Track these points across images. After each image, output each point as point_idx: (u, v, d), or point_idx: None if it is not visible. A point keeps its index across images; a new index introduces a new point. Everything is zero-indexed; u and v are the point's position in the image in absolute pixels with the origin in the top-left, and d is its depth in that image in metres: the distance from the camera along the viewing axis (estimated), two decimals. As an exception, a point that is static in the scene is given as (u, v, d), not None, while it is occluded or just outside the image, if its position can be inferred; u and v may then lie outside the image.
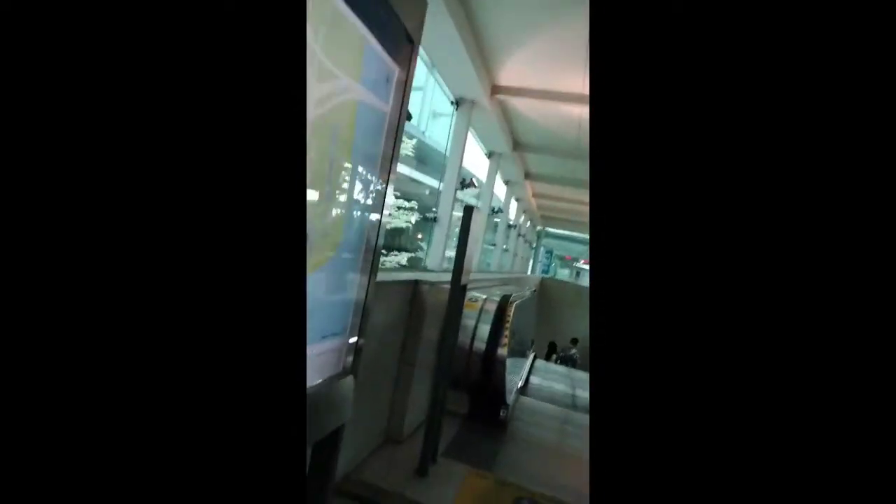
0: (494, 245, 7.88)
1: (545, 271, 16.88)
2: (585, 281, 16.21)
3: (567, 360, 8.28)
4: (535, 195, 8.80)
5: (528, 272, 12.67)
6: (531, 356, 4.71)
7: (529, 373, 4.72)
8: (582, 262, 17.48)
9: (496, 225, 7.93)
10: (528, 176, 7.41)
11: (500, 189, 7.78)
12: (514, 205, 8.73)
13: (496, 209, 6.13)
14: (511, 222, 8.62)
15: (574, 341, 9.21)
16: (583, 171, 6.32)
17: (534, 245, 12.02)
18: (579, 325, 10.90)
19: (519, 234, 9.74)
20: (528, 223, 10.81)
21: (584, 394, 4.67)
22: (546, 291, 11.19)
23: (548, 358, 8.67)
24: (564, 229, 13.37)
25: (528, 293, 4.05)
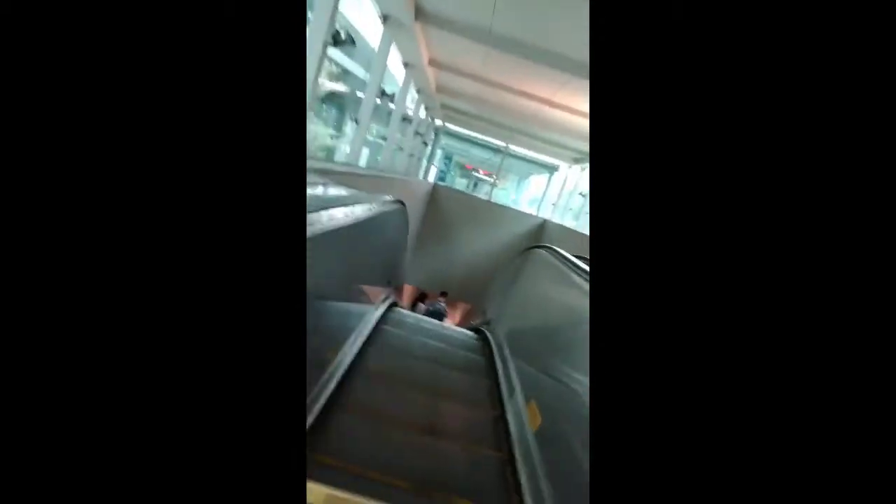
0: (385, 140, 6.82)
1: (441, 178, 16.17)
2: (483, 193, 15.93)
3: (434, 315, 7.06)
4: (438, 89, 7.74)
5: (421, 176, 11.78)
6: (382, 304, 3.31)
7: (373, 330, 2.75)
8: (482, 172, 17.01)
9: (389, 114, 6.82)
10: (432, 62, 6.30)
11: (397, 72, 6.57)
12: (412, 94, 7.58)
13: (386, 93, 5.05)
14: (407, 114, 7.53)
15: (444, 294, 8.12)
16: (495, 64, 5.46)
17: (429, 144, 10.85)
18: (474, 249, 10.37)
19: (416, 132, 8.73)
20: (428, 118, 9.72)
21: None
22: (437, 204, 10.49)
23: (413, 308, 7.40)
24: (470, 129, 12.24)
25: (382, 206, 2.54)
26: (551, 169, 13.13)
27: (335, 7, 2.88)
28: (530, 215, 11.54)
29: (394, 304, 3.82)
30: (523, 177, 18.71)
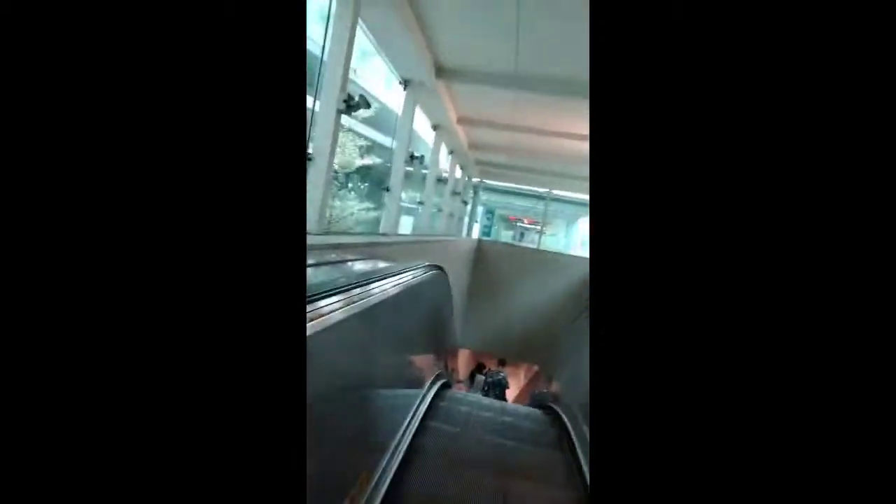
0: (422, 204, 6.65)
1: (486, 233, 15.94)
2: (530, 242, 15.44)
3: (495, 386, 6.22)
4: (471, 146, 7.63)
5: (464, 234, 11.51)
6: (430, 388, 2.76)
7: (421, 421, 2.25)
8: (526, 221, 16.62)
9: (423, 178, 6.70)
10: (461, 120, 6.21)
11: (427, 136, 6.52)
12: (444, 154, 7.50)
13: (415, 156, 4.88)
14: (443, 173, 7.40)
15: (502, 363, 7.17)
16: (525, 108, 5.21)
17: (469, 202, 10.65)
18: (529, 302, 9.70)
19: (454, 192, 8.59)
20: (464, 177, 9.60)
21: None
22: (485, 259, 10.08)
23: (471, 379, 6.72)
24: (508, 182, 11.99)
25: (418, 275, 2.24)
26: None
27: (345, 74, 2.72)
28: (584, 258, 10.79)
29: (445, 385, 3.30)
30: (571, 220, 18.08)
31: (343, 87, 2.70)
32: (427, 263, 2.77)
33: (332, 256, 2.24)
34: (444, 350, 3.70)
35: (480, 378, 7.02)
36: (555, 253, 11.86)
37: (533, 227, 15.98)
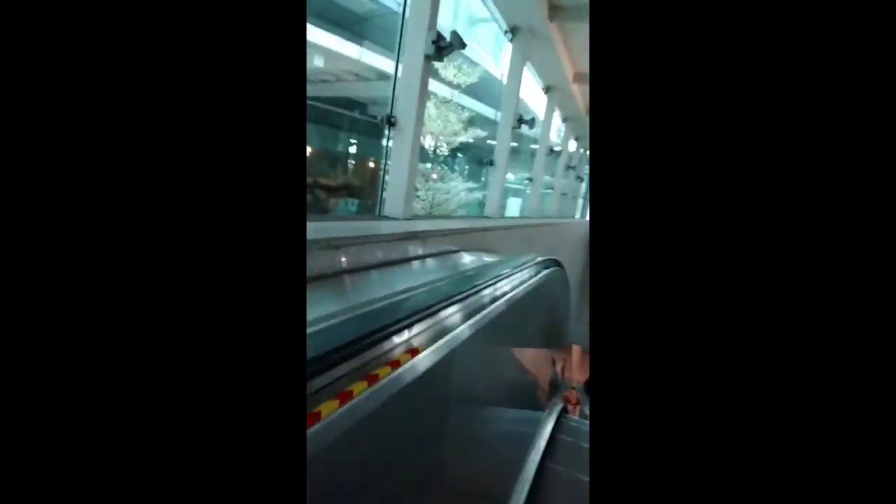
0: (531, 179, 5.78)
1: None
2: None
3: None
4: (587, 109, 6.50)
5: (577, 215, 10.22)
6: (546, 421, 2.21)
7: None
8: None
9: (533, 153, 5.83)
10: (578, 78, 5.18)
11: (537, 105, 5.61)
12: (557, 122, 6.48)
13: (524, 119, 4.05)
14: (554, 146, 6.39)
15: None
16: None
17: (584, 178, 9.28)
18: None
19: (568, 166, 7.51)
20: (579, 150, 8.39)
21: None
22: None
23: (587, 386, 5.72)
24: None
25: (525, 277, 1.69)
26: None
27: (434, 7, 2.05)
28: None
29: (563, 412, 2.56)
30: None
31: (431, 25, 2.04)
32: (542, 258, 2.07)
33: (414, 250, 1.65)
34: (560, 360, 3.13)
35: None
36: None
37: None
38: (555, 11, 3.47)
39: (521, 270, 1.65)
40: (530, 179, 5.76)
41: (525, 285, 1.56)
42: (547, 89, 5.32)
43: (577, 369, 7.53)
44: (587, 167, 9.81)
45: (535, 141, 5.75)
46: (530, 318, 1.82)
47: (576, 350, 8.94)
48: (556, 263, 2.43)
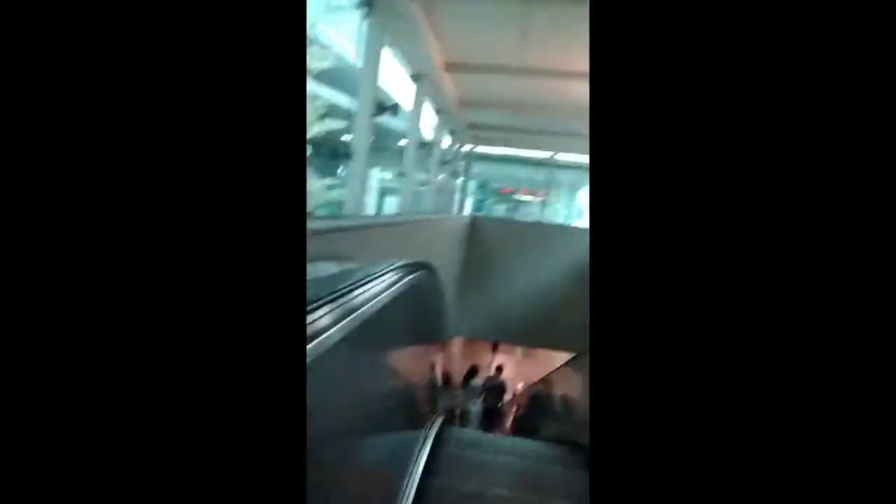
0: (403, 174, 5.28)
1: (479, 208, 14.58)
2: (525, 215, 14.11)
3: (493, 391, 5.54)
4: (463, 103, 6.22)
5: (455, 211, 10.13)
6: (423, 442, 2.03)
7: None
8: (523, 192, 15.25)
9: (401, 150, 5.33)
10: (450, 67, 4.80)
11: (405, 93, 5.10)
12: (428, 113, 6.08)
13: (386, 106, 3.50)
14: (426, 139, 5.98)
15: (499, 369, 6.27)
16: (515, 43, 3.82)
17: (460, 173, 9.16)
18: (531, 281, 8.60)
19: (442, 161, 7.20)
20: (455, 146, 8.19)
21: None
22: (480, 238, 8.67)
23: (465, 384, 5.99)
24: (505, 147, 10.45)
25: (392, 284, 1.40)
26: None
27: None
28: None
29: (443, 426, 2.27)
30: (572, 189, 16.81)
31: None
32: (405, 263, 1.73)
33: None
34: (439, 364, 2.96)
35: (476, 384, 6.09)
36: (557, 226, 10.68)
37: (529, 198, 14.71)
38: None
39: (375, 282, 1.26)
40: (402, 175, 5.26)
41: (381, 300, 1.23)
42: (415, 77, 4.84)
43: (458, 362, 7.44)
44: (462, 163, 9.72)
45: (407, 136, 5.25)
46: (393, 335, 1.58)
47: (457, 343, 8.90)
48: (424, 266, 2.01)
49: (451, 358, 6.34)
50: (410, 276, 1.71)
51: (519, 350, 10.63)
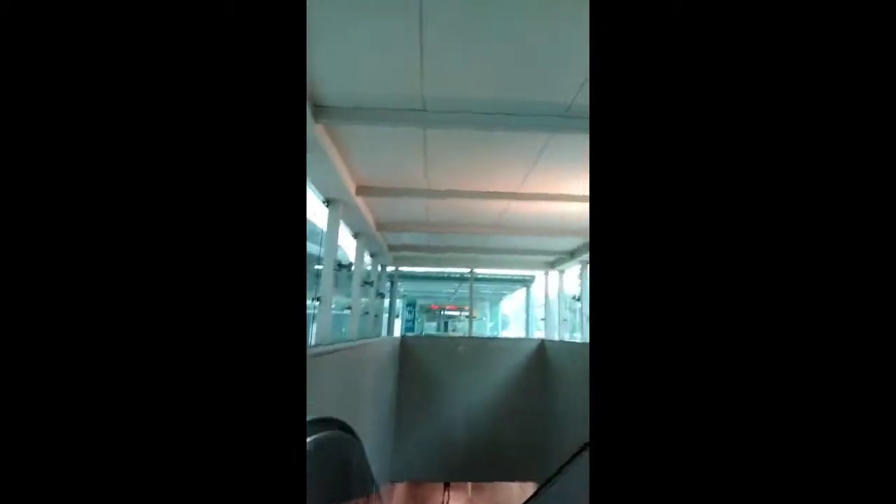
0: (318, 299, 4.96)
1: (409, 328, 14.23)
2: (455, 330, 13.96)
3: None
4: (380, 227, 6.36)
5: (384, 333, 9.72)
6: None
7: None
8: (448, 307, 15.29)
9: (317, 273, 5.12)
10: (361, 191, 4.95)
11: (319, 219, 5.10)
12: (348, 241, 6.06)
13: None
14: (343, 262, 5.86)
15: (446, 485, 5.61)
16: (422, 166, 4.13)
17: (385, 294, 9.03)
18: (472, 400, 8.10)
19: (365, 282, 7.03)
20: (377, 267, 8.16)
21: None
22: (411, 359, 8.14)
23: None
24: (426, 266, 10.67)
25: None
26: (526, 282, 11.72)
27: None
28: (522, 339, 9.67)
29: None
30: (494, 301, 17.27)
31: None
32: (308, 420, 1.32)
33: None
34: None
35: None
36: (490, 339, 10.60)
37: (455, 313, 14.76)
38: (318, 112, 3.11)
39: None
40: (318, 300, 4.94)
41: None
42: (328, 202, 4.89)
43: None
44: (387, 284, 9.63)
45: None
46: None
47: (399, 491, 7.65)
48: (337, 425, 1.63)
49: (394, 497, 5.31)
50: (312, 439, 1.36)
51: (469, 486, 9.49)
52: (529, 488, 8.10)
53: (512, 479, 7.89)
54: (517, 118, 2.99)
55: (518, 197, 4.87)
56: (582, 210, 5.40)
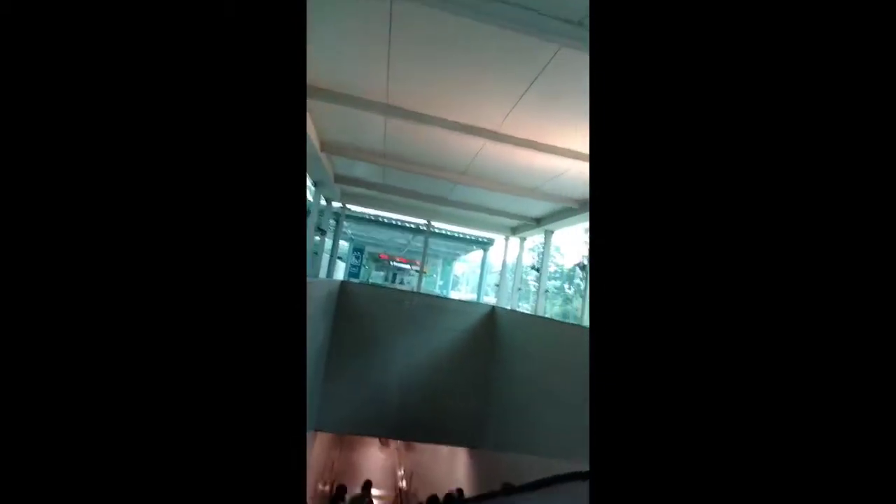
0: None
1: (354, 274, 13.43)
2: (404, 284, 13.34)
3: None
4: (324, 145, 5.37)
5: (323, 274, 8.85)
6: None
7: None
8: (398, 259, 14.56)
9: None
10: (313, 94, 3.95)
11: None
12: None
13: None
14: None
15: (367, 486, 5.13)
16: (384, 75, 3.22)
17: (328, 232, 8.08)
18: (412, 360, 7.45)
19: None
20: (321, 200, 7.18)
21: None
22: (350, 308, 7.41)
23: None
24: (379, 209, 9.70)
25: None
26: (484, 245, 11.14)
27: None
28: (474, 303, 9.21)
29: None
30: (448, 260, 16.74)
31: None
32: None
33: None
34: None
35: None
36: (440, 297, 10.07)
37: (407, 266, 14.12)
38: None
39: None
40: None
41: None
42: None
43: (318, 464, 5.64)
44: (332, 221, 8.66)
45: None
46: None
47: (322, 439, 7.12)
48: None
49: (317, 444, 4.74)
50: None
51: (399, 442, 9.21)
52: (460, 451, 7.89)
53: (447, 443, 7.59)
54: (511, 7, 2.16)
55: (495, 137, 4.08)
56: (566, 168, 4.72)
